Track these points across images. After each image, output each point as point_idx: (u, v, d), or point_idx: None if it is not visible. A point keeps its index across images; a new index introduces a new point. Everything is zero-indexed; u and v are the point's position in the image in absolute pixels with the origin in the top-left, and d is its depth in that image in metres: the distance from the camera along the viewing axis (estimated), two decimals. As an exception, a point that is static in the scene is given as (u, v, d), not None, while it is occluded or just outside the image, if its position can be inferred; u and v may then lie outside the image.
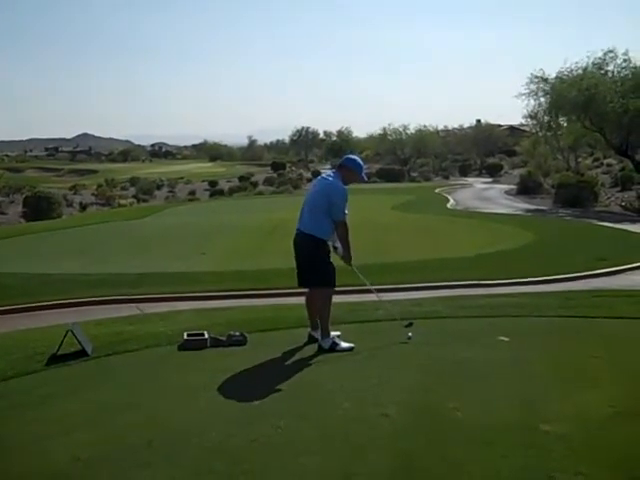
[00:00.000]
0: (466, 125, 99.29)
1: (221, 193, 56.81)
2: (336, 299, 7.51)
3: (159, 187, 63.99)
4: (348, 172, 7.38)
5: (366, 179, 7.66)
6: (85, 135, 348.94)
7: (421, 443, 4.68)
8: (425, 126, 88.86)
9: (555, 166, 55.32)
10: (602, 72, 38.91)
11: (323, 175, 7.56)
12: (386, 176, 63.99)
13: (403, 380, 6.06)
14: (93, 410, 5.58)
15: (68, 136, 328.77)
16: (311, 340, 7.47)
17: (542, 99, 42.36)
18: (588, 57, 39.37)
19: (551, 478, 4.07)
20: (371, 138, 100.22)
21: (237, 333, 7.62)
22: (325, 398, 5.64)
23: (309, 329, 7.60)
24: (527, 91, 42.06)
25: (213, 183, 64.70)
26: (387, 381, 6.02)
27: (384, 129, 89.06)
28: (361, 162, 7.56)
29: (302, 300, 7.88)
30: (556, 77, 40.69)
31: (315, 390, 5.87)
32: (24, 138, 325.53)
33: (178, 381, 6.31)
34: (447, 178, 73.36)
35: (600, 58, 38.76)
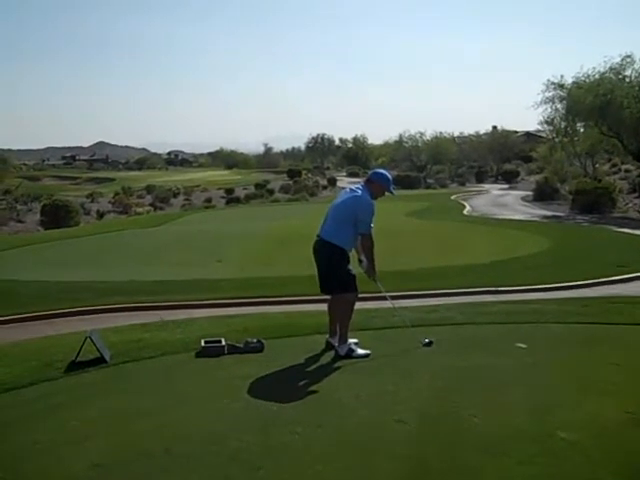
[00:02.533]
0: (482, 131, 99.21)
1: (237, 200, 56.90)
2: (356, 305, 7.53)
3: (175, 195, 64.16)
4: (376, 187, 7.45)
5: (394, 193, 7.68)
6: (102, 143, 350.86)
7: (437, 450, 4.69)
8: (441, 133, 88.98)
9: (572, 172, 55.07)
10: (619, 77, 38.71)
11: (352, 187, 7.57)
12: (402, 183, 63.87)
13: (419, 387, 6.07)
14: (111, 417, 5.63)
15: (85, 144, 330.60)
16: (328, 347, 7.50)
17: (558, 105, 42.27)
18: (605, 62, 39.22)
19: (567, 485, 4.08)
20: (386, 145, 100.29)
21: (254, 340, 7.66)
22: (341, 405, 5.66)
23: (327, 336, 7.64)
24: (543, 97, 42.02)
25: (229, 191, 64.84)
26: (403, 388, 6.04)
27: (400, 136, 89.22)
28: (389, 176, 7.63)
29: (318, 307, 7.93)
30: (572, 83, 40.56)
31: (331, 397, 5.89)
32: (41, 147, 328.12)
33: (196, 388, 6.35)
34: (463, 185, 73.16)
35: (617, 63, 38.59)
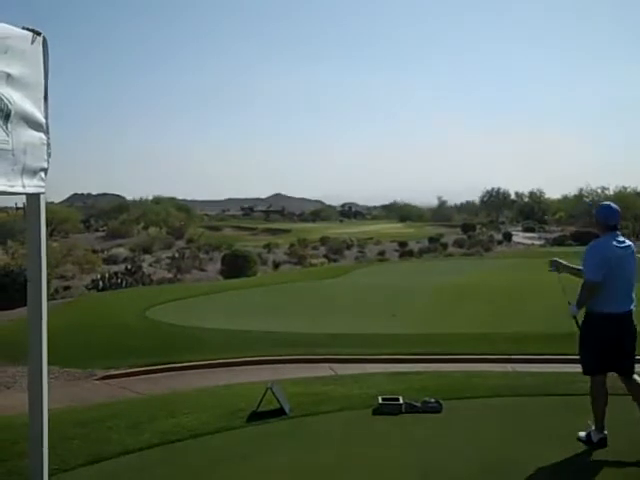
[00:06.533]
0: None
1: (410, 254, 56.93)
2: (541, 368, 7.27)
3: (349, 247, 65.08)
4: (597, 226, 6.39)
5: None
6: (278, 195, 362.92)
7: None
8: (625, 187, 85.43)
9: None
10: None
11: (625, 240, 6.27)
12: (581, 239, 61.61)
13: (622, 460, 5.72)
14: (292, 470, 5.70)
15: (262, 196, 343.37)
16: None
17: None
18: None
19: None
20: (565, 200, 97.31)
21: (432, 400, 7.55)
22: (525, 476, 5.44)
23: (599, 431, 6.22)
24: None
25: (402, 244, 65.06)
26: (600, 462, 5.72)
27: (580, 190, 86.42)
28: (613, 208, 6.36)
29: (496, 367, 7.63)
30: None
31: (513, 468, 5.68)
32: (222, 198, 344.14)
33: (373, 447, 6.31)
34: (648, 241, 69.53)
35: None
